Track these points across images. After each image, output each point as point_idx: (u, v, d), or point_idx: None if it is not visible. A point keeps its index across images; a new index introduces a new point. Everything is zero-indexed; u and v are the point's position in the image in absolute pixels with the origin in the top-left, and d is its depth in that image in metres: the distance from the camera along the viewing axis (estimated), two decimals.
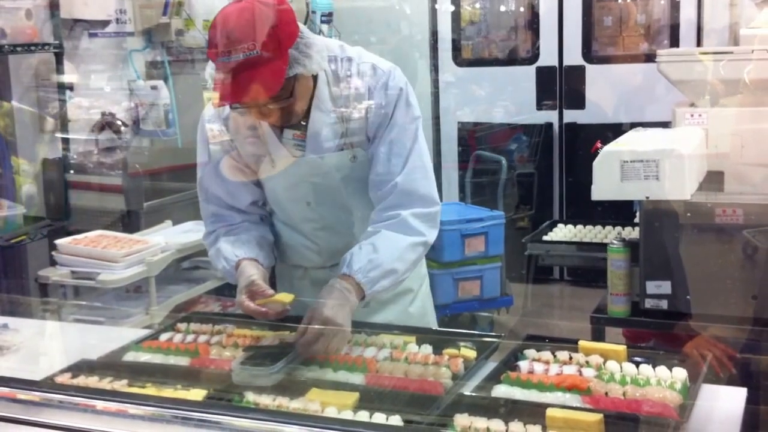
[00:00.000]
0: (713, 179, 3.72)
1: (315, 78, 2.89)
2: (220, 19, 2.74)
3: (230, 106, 2.85)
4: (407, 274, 2.97)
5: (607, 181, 3.41)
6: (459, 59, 8.65)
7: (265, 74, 2.71)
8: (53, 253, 4.96)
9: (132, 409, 2.33)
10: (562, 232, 5.03)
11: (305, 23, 7.32)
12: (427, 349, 2.77)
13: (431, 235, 2.96)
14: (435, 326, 3.36)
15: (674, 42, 7.84)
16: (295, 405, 2.39)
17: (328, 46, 2.95)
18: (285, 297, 2.82)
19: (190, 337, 2.98)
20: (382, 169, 2.93)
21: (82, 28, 6.38)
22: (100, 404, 2.37)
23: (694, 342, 3.40)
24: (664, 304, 3.45)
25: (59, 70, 5.90)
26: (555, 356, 2.65)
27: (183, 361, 2.80)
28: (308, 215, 3.04)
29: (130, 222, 6.05)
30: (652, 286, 3.46)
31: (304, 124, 2.93)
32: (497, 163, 7.81)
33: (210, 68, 2.84)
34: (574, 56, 8.18)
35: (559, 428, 2.20)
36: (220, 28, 2.71)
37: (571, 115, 8.20)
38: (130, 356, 2.87)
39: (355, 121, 2.95)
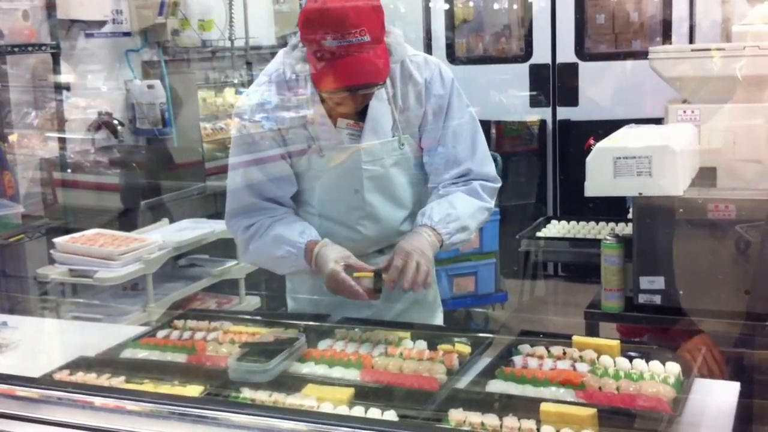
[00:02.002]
0: (706, 175, 3.72)
1: None
2: (329, 3, 2.76)
3: (322, 91, 2.92)
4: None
5: (600, 178, 3.42)
6: (453, 57, 8.66)
7: (375, 60, 2.81)
8: (51, 251, 4.97)
9: (130, 405, 2.34)
10: (555, 228, 5.04)
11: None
12: (422, 344, 2.79)
13: (492, 205, 3.19)
14: (442, 314, 3.40)
15: (667, 39, 7.85)
16: (291, 401, 2.40)
17: None
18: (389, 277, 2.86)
19: (186, 334, 2.99)
20: (450, 155, 3.11)
21: (78, 28, 6.39)
22: (98, 401, 2.38)
23: (687, 345, 3.40)
24: (657, 300, 3.46)
25: (56, 70, 5.92)
26: (549, 351, 2.67)
27: (180, 357, 2.81)
28: (354, 203, 3.07)
29: (127, 220, 6.06)
30: (645, 282, 3.47)
31: (357, 113, 2.99)
32: (492, 159, 7.81)
33: (300, 51, 2.91)
34: (567, 54, 8.21)
35: (553, 423, 2.21)
36: (330, 12, 2.75)
37: (565, 112, 8.22)
38: (127, 353, 2.87)
39: (412, 110, 3.07)
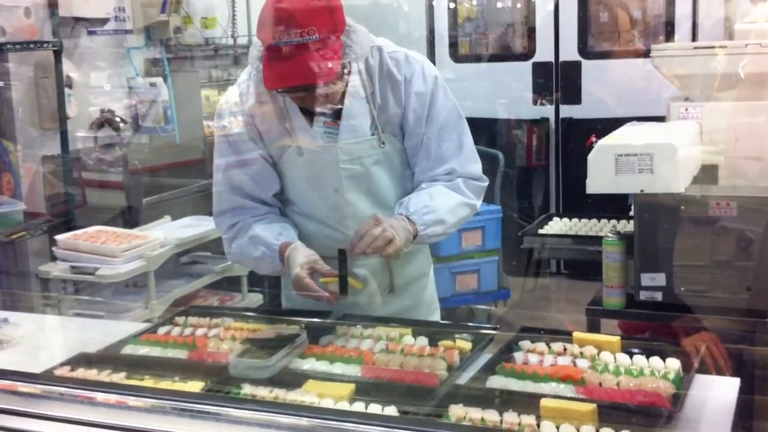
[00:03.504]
0: (707, 172, 3.72)
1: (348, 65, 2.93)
2: (278, 2, 2.75)
3: (276, 90, 2.91)
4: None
5: (601, 175, 3.42)
6: (456, 55, 8.67)
7: (323, 60, 2.77)
8: (53, 248, 4.98)
9: (131, 400, 2.35)
10: (558, 226, 5.04)
11: None
12: (423, 341, 2.80)
13: (478, 203, 3.13)
14: (438, 315, 3.40)
15: (669, 37, 7.86)
16: (291, 397, 2.40)
17: None
18: (356, 283, 2.86)
19: (188, 331, 2.99)
20: (434, 153, 3.06)
21: (81, 26, 6.40)
22: (99, 396, 2.39)
23: (691, 339, 3.41)
24: (658, 296, 3.46)
25: (58, 67, 5.92)
26: (549, 347, 2.67)
27: (181, 354, 2.81)
28: (335, 203, 3.06)
29: (129, 218, 6.07)
30: (646, 279, 3.47)
31: (334, 111, 2.97)
32: (494, 157, 7.83)
33: (256, 50, 2.89)
34: (570, 52, 8.21)
35: (553, 418, 2.21)
36: (278, 12, 2.74)
37: (568, 110, 8.22)
38: (128, 349, 2.88)
39: (391, 109, 3.03)
